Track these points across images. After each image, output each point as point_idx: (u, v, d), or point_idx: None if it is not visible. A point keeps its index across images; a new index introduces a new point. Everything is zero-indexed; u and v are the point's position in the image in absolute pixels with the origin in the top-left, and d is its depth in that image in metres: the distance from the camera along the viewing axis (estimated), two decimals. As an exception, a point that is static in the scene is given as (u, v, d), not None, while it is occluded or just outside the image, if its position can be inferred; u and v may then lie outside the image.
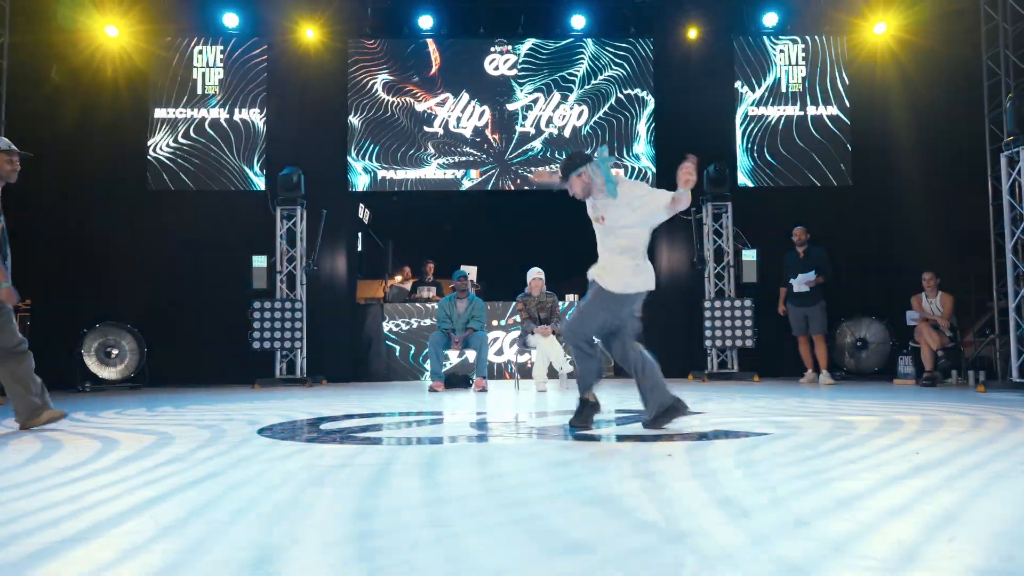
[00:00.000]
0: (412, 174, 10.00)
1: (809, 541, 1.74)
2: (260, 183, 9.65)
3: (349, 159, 9.92)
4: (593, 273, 3.94)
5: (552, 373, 7.83)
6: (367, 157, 9.96)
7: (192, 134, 9.77)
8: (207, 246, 9.27)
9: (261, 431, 4.10)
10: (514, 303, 8.00)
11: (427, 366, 8.81)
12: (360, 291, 10.93)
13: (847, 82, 10.01)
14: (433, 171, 10.01)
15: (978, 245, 8.37)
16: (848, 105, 9.98)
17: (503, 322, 9.60)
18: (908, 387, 7.57)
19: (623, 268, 3.83)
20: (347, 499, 2.27)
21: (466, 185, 9.98)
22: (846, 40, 10.02)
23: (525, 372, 8.71)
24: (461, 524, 1.95)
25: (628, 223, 3.81)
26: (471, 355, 8.17)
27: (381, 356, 9.64)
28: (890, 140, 9.67)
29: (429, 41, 10.10)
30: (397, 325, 9.65)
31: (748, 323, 8.66)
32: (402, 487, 2.45)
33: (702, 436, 3.70)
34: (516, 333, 8.28)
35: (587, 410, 4.02)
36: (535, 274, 7.62)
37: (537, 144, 10.00)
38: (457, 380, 8.04)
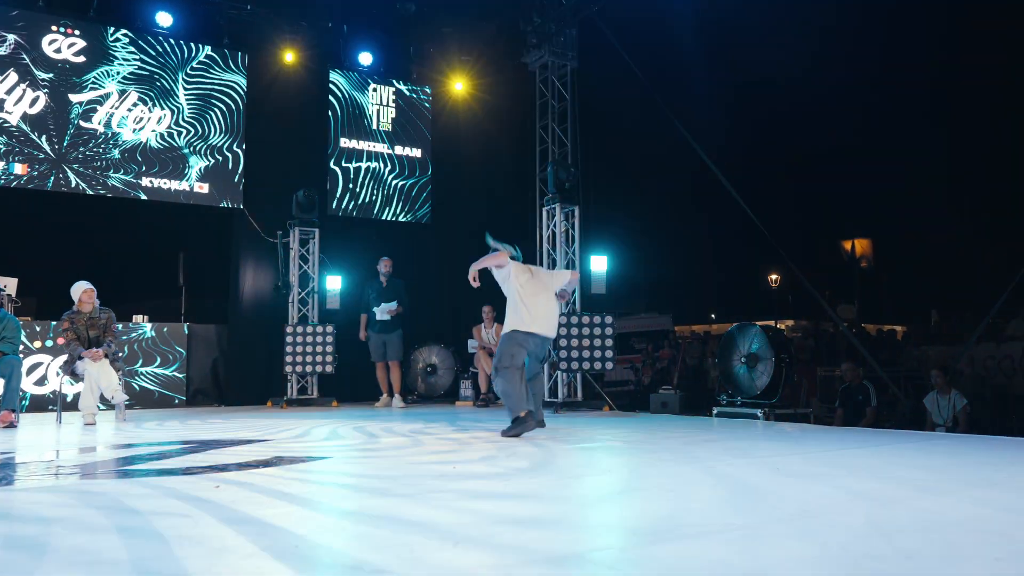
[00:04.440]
0: (-72, 158, 8.02)
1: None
2: None
3: None
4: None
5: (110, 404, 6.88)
6: None
7: None
8: None
9: None
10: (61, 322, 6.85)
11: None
12: None
13: (431, 127, 10.93)
14: (-40, 158, 8.16)
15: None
16: (431, 148, 10.89)
17: (48, 343, 8.19)
18: (467, 408, 8.41)
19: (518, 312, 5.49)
20: None
21: (7, 180, 8.35)
22: (432, 89, 10.96)
23: (71, 404, 7.52)
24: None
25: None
26: (-2, 384, 6.74)
27: None
28: (465, 185, 10.80)
29: (-36, 1, 8.29)
30: None
31: (329, 349, 8.74)
32: None
33: (263, 464, 3.58)
34: (64, 358, 7.11)
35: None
36: (83, 287, 6.60)
37: (105, 145, 8.85)
38: (-26, 415, 6.55)
